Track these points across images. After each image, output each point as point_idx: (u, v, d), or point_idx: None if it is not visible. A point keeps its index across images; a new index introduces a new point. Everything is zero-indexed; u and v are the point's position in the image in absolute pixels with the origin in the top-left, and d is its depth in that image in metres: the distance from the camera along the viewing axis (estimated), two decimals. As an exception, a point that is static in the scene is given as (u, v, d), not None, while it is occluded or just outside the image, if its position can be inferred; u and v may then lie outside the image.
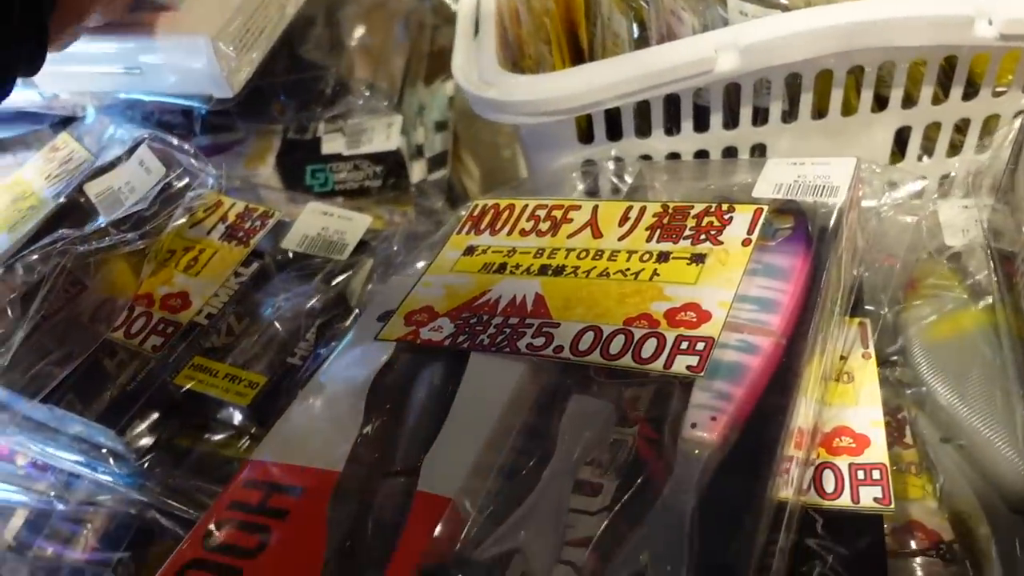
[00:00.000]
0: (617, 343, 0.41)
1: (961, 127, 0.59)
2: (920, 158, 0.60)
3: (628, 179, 0.58)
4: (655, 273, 0.45)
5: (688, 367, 0.39)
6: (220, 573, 0.37)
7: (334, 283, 0.56)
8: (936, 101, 0.57)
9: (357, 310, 0.56)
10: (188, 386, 0.50)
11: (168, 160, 0.49)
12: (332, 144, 0.68)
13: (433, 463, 0.39)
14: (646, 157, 0.59)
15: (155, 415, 0.50)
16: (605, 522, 0.37)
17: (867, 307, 0.49)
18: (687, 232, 0.46)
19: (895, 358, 0.48)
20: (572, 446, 0.39)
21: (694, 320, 0.41)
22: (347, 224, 0.57)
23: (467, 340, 0.45)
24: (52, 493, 0.51)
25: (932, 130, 0.59)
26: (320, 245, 0.57)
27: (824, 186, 0.47)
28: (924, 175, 0.59)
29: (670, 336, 0.41)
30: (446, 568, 0.35)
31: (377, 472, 0.40)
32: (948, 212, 0.53)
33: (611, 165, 0.59)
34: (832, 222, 0.45)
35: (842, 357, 0.46)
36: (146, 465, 0.49)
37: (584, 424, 0.40)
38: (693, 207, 0.48)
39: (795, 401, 0.38)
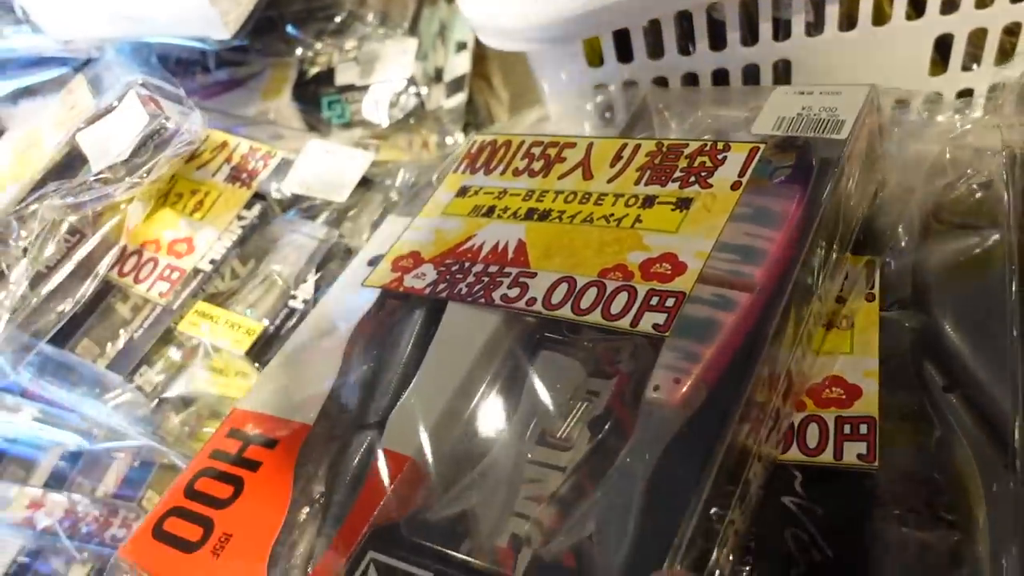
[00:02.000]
0: (589, 296, 0.40)
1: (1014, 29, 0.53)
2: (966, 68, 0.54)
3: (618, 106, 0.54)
4: (637, 219, 0.42)
5: (655, 325, 0.37)
6: (194, 521, 0.39)
7: (335, 225, 0.56)
8: (981, 5, 0.51)
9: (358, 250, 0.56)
10: (191, 332, 0.51)
11: (154, 106, 0.49)
12: (346, 74, 0.67)
13: (398, 420, 0.39)
14: (661, 80, 0.56)
15: (162, 361, 0.52)
16: (572, 480, 0.37)
17: (878, 244, 0.45)
18: (677, 174, 0.44)
19: (903, 299, 0.44)
20: (535, 405, 0.39)
21: (668, 272, 0.39)
22: (348, 163, 0.56)
23: (446, 289, 0.44)
24: (80, 433, 0.54)
25: (977, 36, 0.53)
26: (321, 185, 0.56)
27: (829, 120, 0.43)
28: (965, 87, 0.55)
29: (641, 290, 0.39)
30: (397, 528, 0.36)
31: (348, 425, 0.41)
32: (980, 133, 0.48)
33: (622, 90, 0.55)
34: (834, 158, 0.42)
35: (840, 299, 0.43)
36: (157, 409, 0.51)
37: (549, 381, 0.39)
38: (688, 145, 0.45)
39: (767, 362, 0.36)
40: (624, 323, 0.38)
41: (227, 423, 0.43)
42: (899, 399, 0.41)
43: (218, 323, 0.51)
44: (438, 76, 0.69)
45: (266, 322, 0.51)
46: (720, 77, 0.56)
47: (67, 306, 0.50)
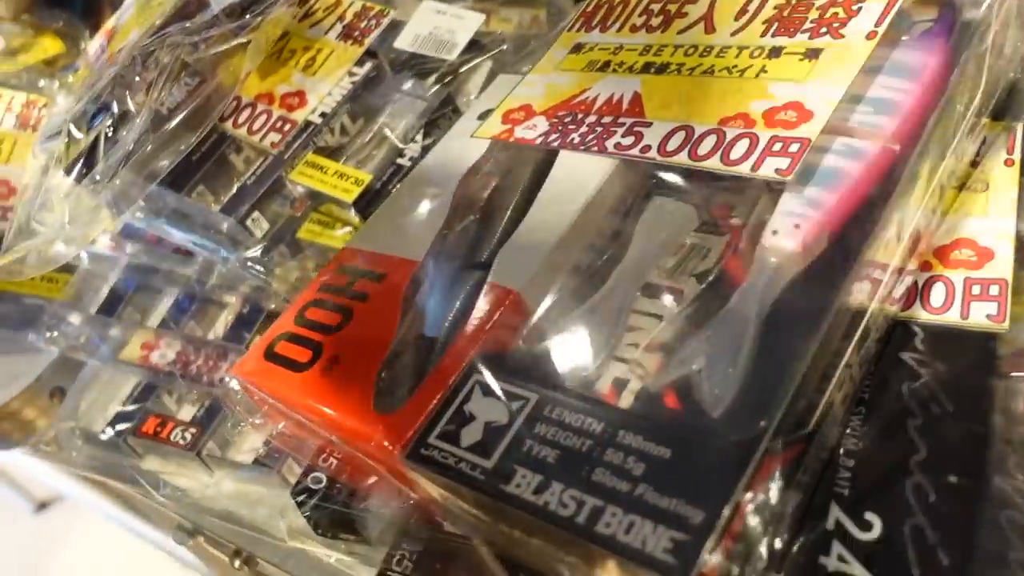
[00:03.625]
0: (707, 144, 0.39)
1: None
2: None
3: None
4: (763, 70, 0.41)
5: (777, 170, 0.36)
6: (303, 345, 0.40)
7: (445, 83, 0.55)
8: None
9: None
10: (301, 181, 0.52)
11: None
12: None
13: (507, 256, 0.39)
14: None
15: (273, 208, 0.53)
16: (678, 326, 0.36)
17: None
18: (807, 24, 0.41)
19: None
20: (645, 248, 0.38)
21: (794, 120, 0.38)
22: (458, 23, 0.56)
23: (558, 138, 0.43)
24: (195, 277, 0.56)
25: None
26: (431, 44, 0.56)
27: (979, -31, 0.41)
28: None
29: (764, 136, 0.37)
30: (502, 356, 0.36)
31: (456, 263, 0.41)
32: None
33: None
34: (981, 12, 0.39)
35: (974, 163, 0.41)
36: (265, 253, 0.53)
37: (660, 226, 0.38)
38: (820, -5, 0.42)
39: (893, 215, 0.35)
40: (744, 168, 0.37)
41: (337, 259, 0.44)
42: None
43: (327, 173, 0.52)
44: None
45: (373, 175, 0.52)
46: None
47: (185, 149, 0.51)
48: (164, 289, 0.61)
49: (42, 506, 1.62)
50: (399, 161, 0.54)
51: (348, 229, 0.53)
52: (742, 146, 0.38)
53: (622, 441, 0.30)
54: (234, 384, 0.41)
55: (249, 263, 0.53)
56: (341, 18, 0.57)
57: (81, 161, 0.49)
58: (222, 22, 0.47)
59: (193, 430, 0.55)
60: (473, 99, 0.56)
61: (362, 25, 0.57)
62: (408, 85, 0.56)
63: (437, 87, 0.56)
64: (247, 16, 0.47)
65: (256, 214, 0.52)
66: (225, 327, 0.58)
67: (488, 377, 0.35)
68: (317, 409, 0.37)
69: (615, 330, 0.36)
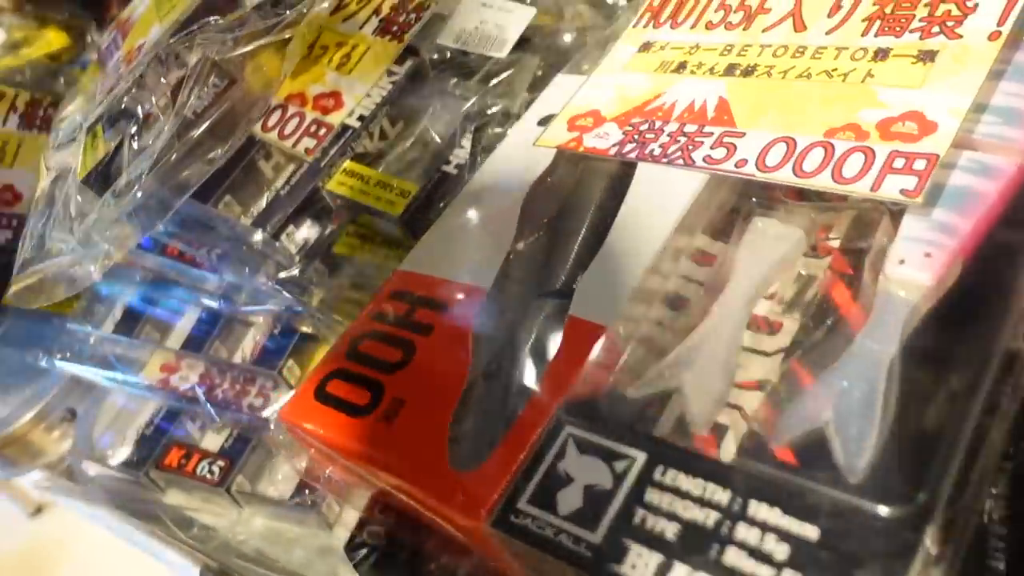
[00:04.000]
0: (814, 158, 0.34)
1: None
2: None
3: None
4: (869, 74, 0.36)
5: (902, 191, 0.32)
6: (360, 384, 0.36)
7: (493, 83, 0.51)
8: None
9: (517, 114, 0.51)
10: (340, 192, 0.48)
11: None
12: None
13: (589, 286, 0.35)
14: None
15: (308, 220, 0.49)
16: (783, 366, 0.32)
17: None
18: (916, 23, 0.37)
19: None
20: (750, 275, 0.34)
21: (915, 133, 0.33)
22: (507, 17, 0.51)
23: (635, 149, 0.39)
24: (220, 294, 0.52)
25: None
26: (478, 40, 0.51)
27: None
28: None
29: (881, 151, 0.33)
30: (595, 403, 0.32)
31: (528, 291, 0.37)
32: None
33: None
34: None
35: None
36: (302, 271, 0.48)
37: (766, 251, 0.34)
38: (927, -9, 0.38)
39: (1040, 237, 0.31)
40: (861, 187, 0.33)
41: (389, 284, 0.40)
42: None
43: (369, 184, 0.48)
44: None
45: (420, 185, 0.47)
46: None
47: (215, 157, 0.46)
48: (185, 307, 0.56)
49: (38, 511, 1.58)
50: (445, 169, 0.49)
51: (386, 246, 0.49)
52: (856, 162, 0.33)
53: (756, 515, 0.26)
54: (282, 427, 0.37)
55: (282, 281, 0.48)
56: (377, 11, 0.53)
57: (101, 170, 0.45)
58: (256, 18, 0.42)
59: (221, 463, 0.50)
60: (524, 100, 0.51)
61: (400, 19, 0.52)
62: (451, 85, 0.52)
63: (484, 87, 0.51)
64: (285, 12, 0.43)
65: (291, 227, 0.48)
66: (253, 349, 0.53)
67: (583, 430, 0.31)
68: (381, 461, 0.33)
69: (725, 373, 0.32)
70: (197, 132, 0.45)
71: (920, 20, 0.37)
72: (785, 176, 0.35)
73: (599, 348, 0.33)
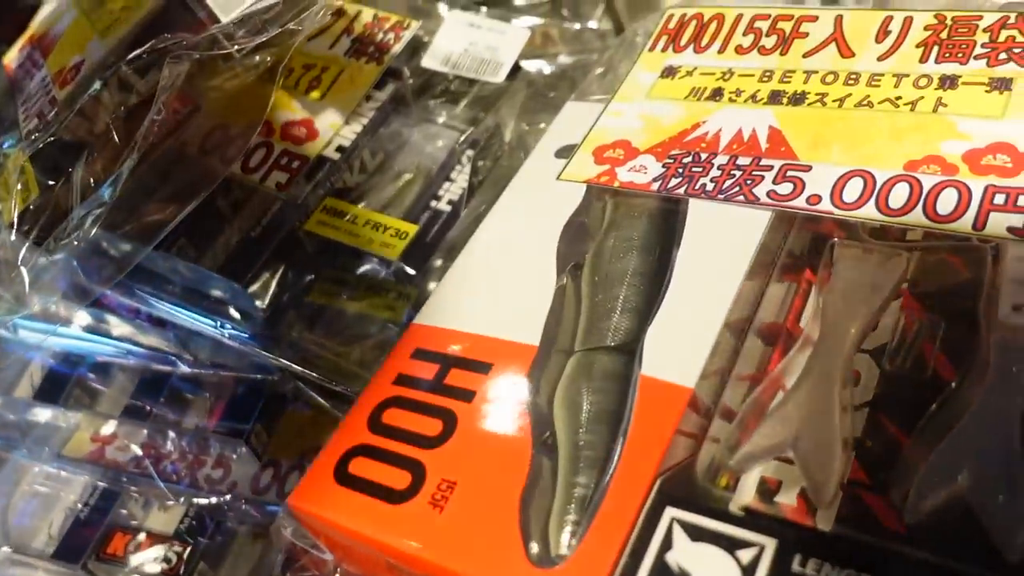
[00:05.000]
0: (899, 194, 0.31)
1: None
2: None
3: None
4: (940, 103, 0.34)
5: (1011, 229, 0.29)
6: (394, 464, 0.30)
7: (485, 112, 0.46)
8: None
9: (510, 143, 0.47)
10: (322, 233, 0.42)
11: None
12: (465, -55, 0.57)
13: (661, 342, 0.31)
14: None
15: (283, 266, 0.43)
16: (868, 422, 0.29)
17: None
18: (979, 49, 0.35)
19: None
20: (844, 323, 0.30)
21: (1008, 166, 0.31)
22: (499, 39, 0.47)
23: (683, 184, 0.35)
24: (170, 351, 0.44)
25: None
26: (468, 64, 0.46)
27: None
28: None
29: (976, 186, 0.31)
30: (694, 480, 0.27)
31: (583, 347, 0.32)
32: None
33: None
34: None
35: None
36: (276, 324, 0.42)
37: (861, 295, 0.31)
38: (982, 17, 0.36)
39: None
40: (962, 225, 0.30)
41: (409, 342, 0.34)
42: None
43: (357, 223, 0.42)
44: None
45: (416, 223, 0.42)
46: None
47: (170, 195, 0.40)
48: (123, 366, 0.48)
49: None
50: (434, 205, 0.44)
51: (373, 292, 0.43)
52: (949, 197, 0.31)
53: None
54: (295, 518, 0.31)
55: (251, 335, 0.42)
56: (348, 31, 0.47)
57: (35, 213, 0.37)
58: (234, 37, 0.36)
59: (177, 548, 0.43)
60: (510, 130, 0.47)
61: (377, 39, 0.47)
62: (436, 113, 0.47)
63: (471, 113, 0.46)
64: (260, 34, 0.37)
65: (265, 275, 0.42)
66: (207, 413, 0.46)
67: (689, 513, 0.26)
68: (438, 558, 0.28)
69: (835, 435, 0.28)
70: (155, 169, 0.39)
71: (983, 46, 0.35)
72: (870, 214, 0.31)
73: (686, 413, 0.29)
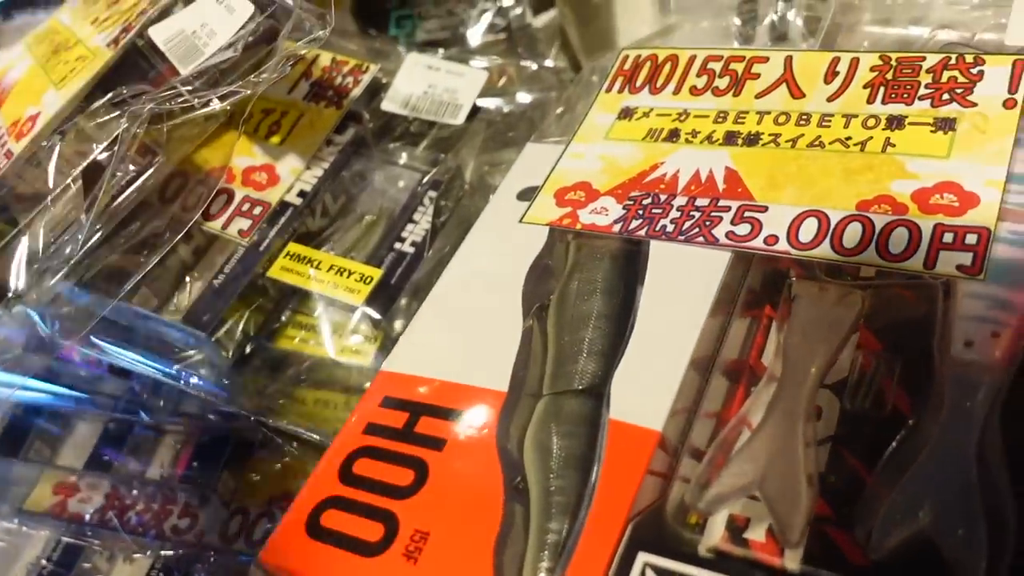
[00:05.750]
0: (852, 234, 0.32)
1: None
2: None
3: (798, 18, 0.47)
4: (888, 143, 0.35)
5: (959, 267, 0.30)
6: (367, 515, 0.30)
7: (446, 152, 0.47)
8: None
9: (471, 183, 0.47)
10: (286, 280, 0.42)
11: (256, -2, 0.38)
12: (420, -15, 0.57)
13: (627, 384, 0.31)
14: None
15: (247, 312, 0.42)
16: (830, 457, 0.30)
17: None
18: (923, 90, 0.36)
19: None
20: (805, 361, 0.31)
21: (955, 205, 0.32)
22: (457, 81, 0.47)
23: (644, 225, 0.36)
24: (131, 401, 0.44)
25: None
26: (428, 107, 0.47)
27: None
28: None
29: (925, 225, 0.32)
30: (662, 524, 0.28)
31: (550, 391, 0.32)
32: None
33: (778, 5, 0.48)
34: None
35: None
36: (241, 371, 0.42)
37: (822, 333, 0.31)
38: (925, 58, 0.37)
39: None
40: (913, 264, 0.31)
41: (377, 390, 0.34)
42: None
43: (322, 269, 0.42)
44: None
45: (379, 267, 0.42)
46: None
47: (134, 246, 0.39)
48: (84, 416, 0.48)
49: None
50: (398, 247, 0.44)
51: (339, 335, 0.43)
52: (900, 237, 0.32)
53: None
54: (266, 573, 0.31)
55: (216, 383, 0.42)
56: (307, 75, 0.47)
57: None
58: (189, 90, 0.36)
59: (145, 602, 0.42)
60: (470, 171, 0.47)
61: (336, 83, 0.47)
62: (395, 155, 0.47)
63: (431, 155, 0.47)
64: (215, 89, 0.37)
65: (229, 322, 0.41)
66: (173, 462, 0.46)
67: (661, 557, 0.27)
68: (413, 613, 0.28)
69: (800, 473, 0.28)
70: (114, 219, 0.38)
71: (926, 87, 0.36)
72: (825, 253, 0.32)
73: (655, 455, 0.29)
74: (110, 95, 0.38)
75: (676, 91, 0.41)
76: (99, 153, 0.38)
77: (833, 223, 0.33)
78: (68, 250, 0.38)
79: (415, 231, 0.44)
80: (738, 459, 0.29)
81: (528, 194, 0.40)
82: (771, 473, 0.28)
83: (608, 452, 0.30)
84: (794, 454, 0.29)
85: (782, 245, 0.33)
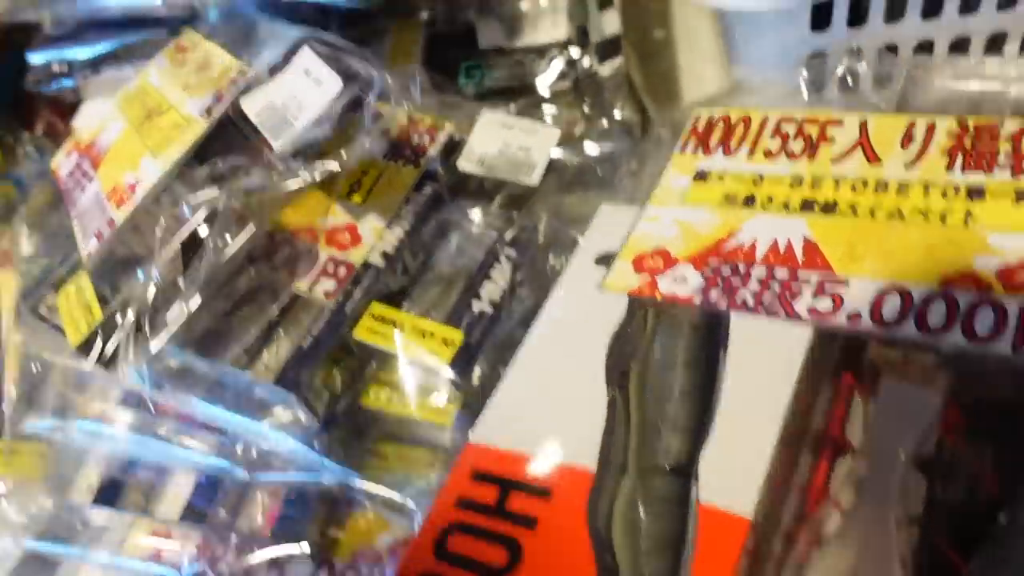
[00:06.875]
0: (936, 313, 0.33)
1: None
2: None
3: (868, 72, 0.47)
4: (968, 215, 0.35)
5: (1049, 349, 0.30)
6: (465, 595, 0.31)
7: (519, 209, 0.48)
8: None
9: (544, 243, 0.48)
10: (372, 341, 0.43)
11: (341, 68, 0.40)
12: (488, 35, 0.58)
13: (715, 465, 0.32)
14: (890, 49, 0.49)
15: (333, 371, 0.44)
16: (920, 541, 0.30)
17: None
18: (1002, 159, 0.36)
19: None
20: (893, 442, 0.31)
21: (1042, 284, 0.32)
22: (531, 139, 0.48)
23: (723, 297, 0.36)
24: (225, 456, 0.46)
25: None
26: (503, 165, 0.48)
27: None
28: None
29: (1012, 306, 0.32)
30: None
31: (636, 470, 0.33)
32: None
33: (845, 60, 0.48)
34: None
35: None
36: (329, 429, 0.43)
37: (905, 414, 0.32)
38: (1004, 123, 0.38)
39: None
40: (1001, 346, 0.31)
41: (466, 462, 0.36)
42: None
43: (405, 330, 0.43)
44: (583, 34, 0.60)
45: (462, 329, 0.43)
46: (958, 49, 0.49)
47: (224, 308, 0.41)
48: (178, 470, 0.50)
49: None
50: (476, 305, 0.45)
51: (423, 394, 0.44)
52: (986, 318, 0.32)
53: None
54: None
55: (306, 441, 0.43)
56: (384, 132, 0.49)
57: (102, 336, 0.39)
58: (284, 167, 0.38)
59: (239, 650, 0.44)
60: (542, 229, 0.48)
61: (414, 142, 0.48)
62: (470, 213, 0.48)
63: (505, 213, 0.48)
64: (308, 163, 0.38)
65: (317, 382, 0.43)
66: (264, 517, 0.47)
67: (756, 647, 0.27)
68: None
69: (896, 566, 0.29)
70: (233, 290, 0.40)
71: (1005, 156, 0.36)
72: (909, 332, 0.33)
73: (745, 545, 0.30)
74: (208, 168, 0.40)
75: (751, 153, 0.42)
76: (198, 224, 0.39)
77: (916, 301, 0.33)
78: (167, 314, 0.40)
79: (492, 290, 0.46)
80: (831, 548, 0.30)
81: (606, 260, 0.41)
82: (865, 559, 0.29)
83: (699, 538, 0.30)
84: (887, 539, 0.30)
85: (865, 322, 0.33)
